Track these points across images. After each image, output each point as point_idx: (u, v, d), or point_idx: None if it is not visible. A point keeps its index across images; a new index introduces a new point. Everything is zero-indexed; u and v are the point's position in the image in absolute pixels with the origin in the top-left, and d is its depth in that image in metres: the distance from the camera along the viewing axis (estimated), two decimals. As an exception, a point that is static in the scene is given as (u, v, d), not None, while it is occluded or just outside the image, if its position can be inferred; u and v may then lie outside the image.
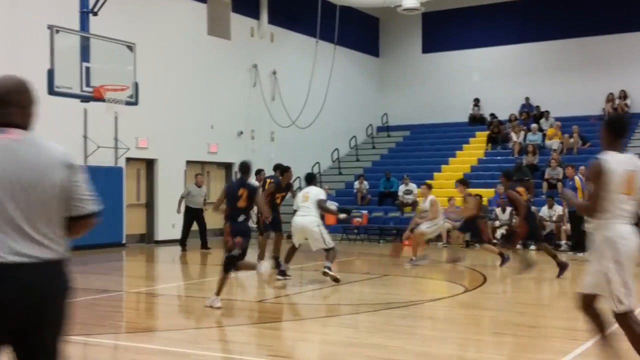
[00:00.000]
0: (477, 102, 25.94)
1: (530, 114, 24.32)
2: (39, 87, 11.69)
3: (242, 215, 8.89)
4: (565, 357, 6.11)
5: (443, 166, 22.91)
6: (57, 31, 12.23)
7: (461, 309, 9.15)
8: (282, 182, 12.28)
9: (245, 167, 9.28)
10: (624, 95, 23.50)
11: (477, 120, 25.65)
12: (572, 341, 6.78)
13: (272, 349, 6.67)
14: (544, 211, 17.56)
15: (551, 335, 7.31)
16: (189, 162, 19.74)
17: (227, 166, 21.51)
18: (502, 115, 24.57)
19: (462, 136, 24.80)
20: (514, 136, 22.92)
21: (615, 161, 4.74)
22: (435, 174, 22.29)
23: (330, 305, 9.43)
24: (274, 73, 22.79)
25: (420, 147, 24.99)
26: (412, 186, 20.46)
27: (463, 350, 6.57)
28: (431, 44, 27.28)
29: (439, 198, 20.37)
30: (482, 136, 24.18)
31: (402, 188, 20.56)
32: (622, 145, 4.95)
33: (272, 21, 22.62)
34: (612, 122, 5.05)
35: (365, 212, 20.74)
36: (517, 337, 7.22)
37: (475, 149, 23.78)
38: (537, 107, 24.45)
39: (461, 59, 26.72)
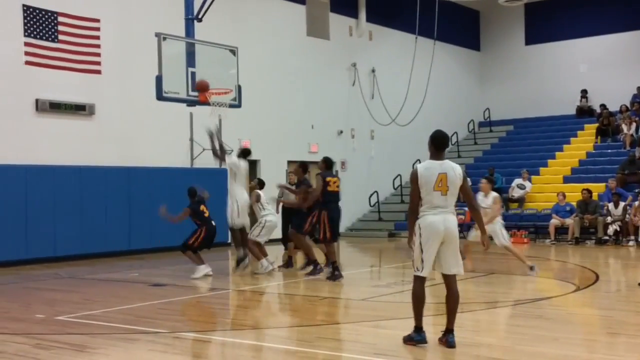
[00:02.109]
0: (584, 93, 24.97)
1: (642, 105, 23.18)
2: (148, 93, 12.25)
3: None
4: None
5: (550, 160, 22.18)
6: (164, 38, 12.66)
7: (573, 308, 8.83)
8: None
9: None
10: None
11: (585, 113, 24.69)
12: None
13: (377, 347, 6.65)
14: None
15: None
16: (290, 162, 20.01)
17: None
18: (613, 107, 23.50)
19: (569, 129, 23.94)
20: (625, 128, 21.90)
21: None
22: (541, 168, 21.63)
23: (435, 304, 9.30)
24: (373, 71, 22.76)
25: (525, 142, 24.31)
26: (528, 183, 19.94)
27: (576, 351, 6.34)
28: (534, 36, 26.48)
29: (545, 194, 19.84)
30: (590, 129, 23.26)
31: (516, 181, 20.06)
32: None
33: (370, 19, 22.60)
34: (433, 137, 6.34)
35: (465, 209, 20.35)
36: (633, 337, 6.90)
37: (583, 142, 22.89)
38: (650, 96, 23.28)
39: (567, 50, 25.80)
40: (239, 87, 14.36)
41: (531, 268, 11.33)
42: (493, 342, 6.69)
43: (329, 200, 10.92)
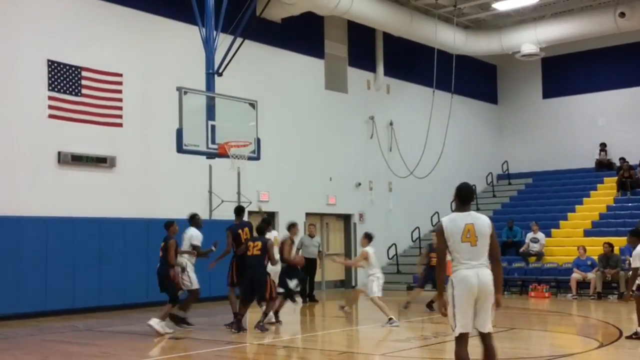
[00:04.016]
0: (603, 146, 24.89)
1: (664, 158, 23.04)
2: (168, 146, 12.37)
3: None
4: None
5: (570, 214, 22.00)
6: (185, 92, 12.85)
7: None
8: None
9: None
10: None
11: (604, 166, 24.56)
12: None
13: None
14: None
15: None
16: (308, 214, 20.02)
17: (346, 217, 21.64)
18: (633, 160, 23.38)
19: (589, 182, 23.80)
20: (646, 181, 21.75)
21: None
22: (561, 222, 21.44)
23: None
24: (391, 124, 22.90)
25: (544, 195, 24.18)
26: (540, 235, 19.76)
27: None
28: (552, 89, 26.60)
29: (566, 247, 19.61)
30: (610, 182, 23.10)
31: (529, 236, 19.87)
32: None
33: (388, 73, 22.85)
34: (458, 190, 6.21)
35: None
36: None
37: (604, 195, 22.71)
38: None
39: (585, 103, 25.84)
40: (258, 140, 14.49)
41: (389, 320, 11.80)
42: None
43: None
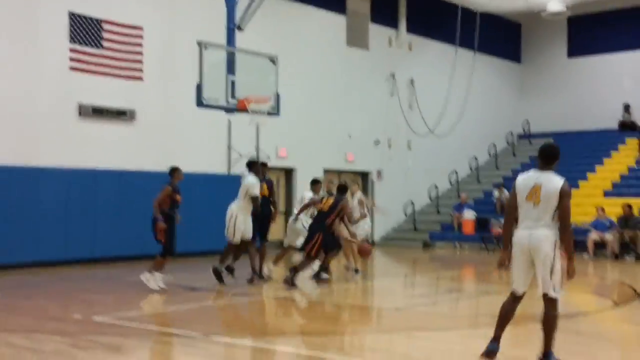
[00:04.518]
0: (627, 107, 24.54)
1: (688, 119, 22.72)
2: (188, 100, 12.40)
3: None
4: None
5: (589, 174, 21.86)
6: (206, 47, 12.82)
7: (610, 324, 8.69)
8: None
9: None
10: None
11: (627, 127, 24.25)
12: None
13: (409, 357, 6.63)
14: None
15: None
16: (326, 171, 20.06)
17: (364, 175, 21.66)
18: (656, 121, 23.11)
19: (611, 143, 23.55)
20: (668, 143, 21.50)
21: None
22: (580, 182, 21.33)
23: (469, 317, 9.24)
24: (412, 82, 22.72)
25: (565, 155, 23.78)
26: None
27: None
28: (577, 48, 26.15)
29: (585, 207, 19.54)
30: (632, 143, 22.85)
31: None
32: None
33: (410, 30, 22.58)
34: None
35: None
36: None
37: (625, 156, 22.50)
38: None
39: (610, 63, 25.41)
40: (278, 96, 14.47)
41: (356, 271, 12.11)
42: (526, 356, 6.61)
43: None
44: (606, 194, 20.21)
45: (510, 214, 6.01)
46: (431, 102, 22.34)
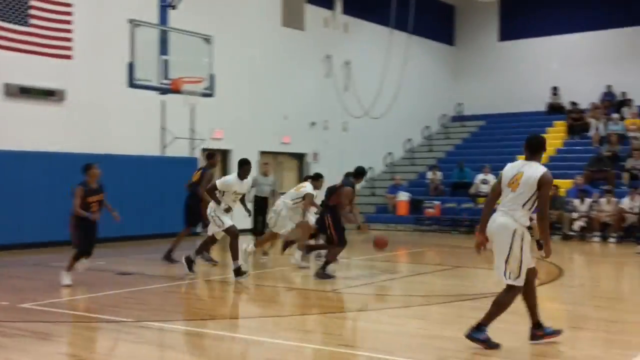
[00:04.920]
0: (555, 90, 25.25)
1: (612, 103, 23.52)
2: (120, 80, 12.15)
3: None
4: (644, 354, 5.93)
5: (519, 156, 22.36)
6: (137, 25, 12.57)
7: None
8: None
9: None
10: None
11: (555, 109, 24.97)
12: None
13: (342, 338, 6.71)
14: (626, 203, 16.96)
15: (629, 330, 7.09)
16: (262, 153, 19.99)
17: (300, 157, 21.67)
18: (583, 104, 23.84)
19: (539, 125, 24.16)
20: (594, 125, 22.24)
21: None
22: (510, 164, 21.87)
23: (401, 297, 9.40)
24: (348, 63, 22.78)
25: (496, 137, 24.54)
26: (490, 177, 20.15)
27: (538, 345, 6.44)
28: (508, 32, 26.72)
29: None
30: (560, 125, 23.55)
31: (479, 177, 20.27)
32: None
33: (346, 11, 22.53)
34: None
35: (437, 202, 20.57)
36: (595, 331, 7.04)
37: (553, 139, 23.14)
38: (623, 93, 23.60)
39: (539, 46, 26.06)
40: (213, 76, 14.30)
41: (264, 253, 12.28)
42: (456, 335, 6.76)
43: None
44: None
45: (491, 199, 6.27)
46: (366, 84, 22.45)
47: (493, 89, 26.54)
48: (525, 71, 26.08)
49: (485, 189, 20.04)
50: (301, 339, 6.71)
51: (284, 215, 11.87)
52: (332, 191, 11.16)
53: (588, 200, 17.46)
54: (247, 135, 19.33)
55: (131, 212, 14.23)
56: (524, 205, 5.94)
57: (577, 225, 17.30)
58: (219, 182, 10.47)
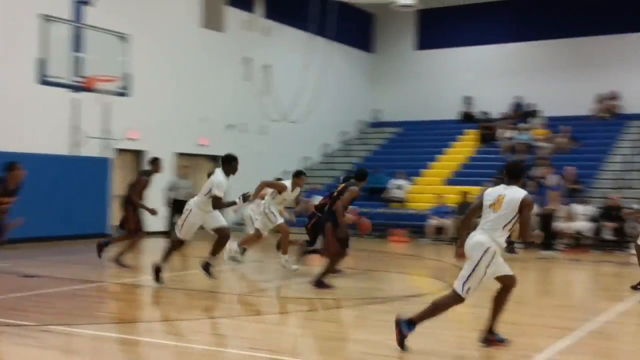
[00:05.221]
0: (468, 99, 26.02)
1: (521, 113, 24.43)
2: (30, 76, 11.77)
3: None
4: (542, 353, 6.19)
5: (432, 163, 22.99)
6: (49, 20, 12.22)
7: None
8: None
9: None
10: (613, 96, 23.65)
11: (468, 118, 25.74)
12: (549, 338, 6.86)
13: (254, 342, 6.71)
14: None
15: (530, 332, 7.39)
16: (178, 155, 19.74)
17: (217, 159, 21.50)
18: (493, 114, 24.70)
19: (452, 133, 24.87)
20: (503, 134, 23.04)
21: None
22: (422, 170, 22.40)
23: (314, 300, 9.47)
24: (268, 67, 22.78)
25: (411, 144, 25.06)
26: (403, 182, 20.61)
27: (444, 347, 6.63)
28: (425, 41, 27.36)
29: (426, 195, 20.55)
30: (472, 134, 24.28)
31: (393, 182, 20.69)
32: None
33: (267, 15, 22.58)
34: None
35: (353, 207, 20.79)
36: (499, 333, 7.27)
37: (465, 147, 23.87)
38: (528, 104, 24.53)
39: (455, 57, 26.80)
40: (129, 76, 14.05)
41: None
42: (367, 337, 6.89)
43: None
44: (447, 182, 21.35)
45: (468, 215, 6.61)
46: (286, 88, 22.52)
47: (410, 97, 27.10)
48: (440, 80, 26.76)
49: (398, 194, 20.47)
50: (212, 342, 6.68)
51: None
52: (330, 196, 10.74)
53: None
54: (163, 136, 19.05)
55: (39, 212, 13.82)
56: (504, 226, 6.26)
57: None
58: (216, 188, 9.78)
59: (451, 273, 12.22)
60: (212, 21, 21.09)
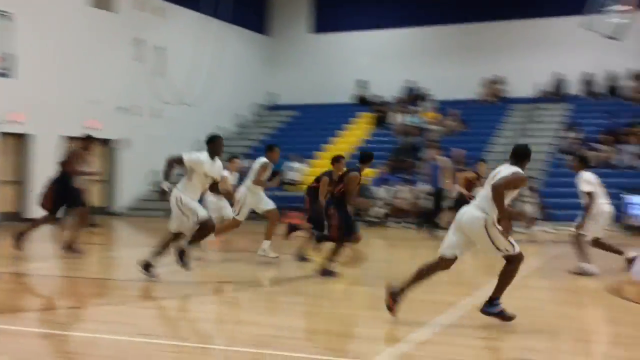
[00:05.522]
0: (363, 83, 26.45)
1: (412, 97, 25.09)
2: None
3: None
4: (427, 327, 6.43)
5: (327, 146, 23.27)
6: None
7: (336, 284, 9.39)
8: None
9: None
10: (498, 81, 24.67)
11: (362, 102, 26.18)
12: (435, 313, 7.13)
13: (142, 327, 6.63)
14: (422, 189, 18.20)
15: (417, 308, 7.65)
16: (68, 138, 19.07)
17: (109, 142, 20.94)
18: (387, 97, 25.24)
19: (347, 116, 25.26)
20: (396, 118, 23.61)
21: None
22: (317, 153, 22.64)
23: (205, 283, 9.44)
24: (161, 48, 22.32)
25: (307, 127, 25.26)
26: (298, 165, 20.76)
27: (339, 326, 6.74)
28: (321, 25, 27.57)
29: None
30: (366, 117, 24.72)
31: (288, 165, 20.82)
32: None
33: (161, -5, 22.12)
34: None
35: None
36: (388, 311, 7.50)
37: (359, 130, 24.29)
38: (419, 88, 25.22)
39: (349, 41, 27.14)
40: (11, 56, 13.43)
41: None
42: (259, 320, 6.94)
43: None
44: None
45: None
46: (180, 70, 22.16)
47: (306, 80, 27.26)
48: (335, 64, 27.05)
49: (293, 176, 20.64)
50: (96, 329, 6.52)
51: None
52: (328, 178, 10.41)
53: (390, 189, 18.54)
54: (50, 119, 18.36)
55: None
56: (489, 198, 6.45)
57: (379, 212, 18.32)
58: (186, 155, 9.00)
59: (345, 253, 12.45)
60: (102, 0, 20.41)
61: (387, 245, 15.44)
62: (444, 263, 6.63)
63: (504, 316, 6.49)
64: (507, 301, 6.64)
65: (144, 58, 21.64)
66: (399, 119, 23.52)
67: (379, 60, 26.41)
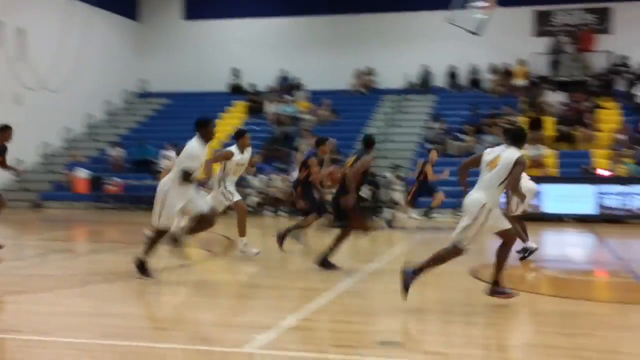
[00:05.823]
0: (237, 72, 26.33)
1: (286, 86, 25.27)
2: None
3: None
4: (298, 313, 6.55)
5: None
6: None
7: (208, 274, 9.36)
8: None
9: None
10: (369, 72, 25.30)
11: (236, 90, 26.07)
12: (306, 299, 7.26)
13: (3, 323, 6.34)
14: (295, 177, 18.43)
15: (288, 296, 7.77)
16: None
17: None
18: (261, 86, 25.26)
19: (221, 105, 25.08)
20: (270, 107, 23.70)
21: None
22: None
23: (73, 276, 9.14)
24: (21, 31, 21.18)
25: (180, 115, 24.83)
26: (172, 154, 20.37)
27: (209, 315, 6.73)
28: (193, 12, 27.16)
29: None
30: (241, 106, 24.65)
31: (161, 154, 20.42)
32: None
33: (20, -26, 20.99)
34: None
35: (119, 180, 20.31)
36: (260, 299, 7.56)
37: (234, 118, 24.18)
38: (293, 78, 25.43)
39: (223, 28, 26.93)
40: None
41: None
42: (133, 312, 6.80)
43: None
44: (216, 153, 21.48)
45: (466, 164, 7.28)
46: (43, 54, 21.15)
47: (178, 68, 26.79)
48: (209, 51, 26.76)
49: (165, 164, 20.29)
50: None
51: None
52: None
53: (263, 177, 18.61)
54: None
55: None
56: (499, 184, 6.72)
57: (253, 200, 18.36)
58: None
59: (214, 243, 12.42)
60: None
61: (260, 234, 15.49)
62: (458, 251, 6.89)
63: (509, 294, 6.92)
64: (369, 286, 6.87)
65: (3, 41, 20.47)
66: (273, 108, 23.61)
67: (253, 49, 26.36)
